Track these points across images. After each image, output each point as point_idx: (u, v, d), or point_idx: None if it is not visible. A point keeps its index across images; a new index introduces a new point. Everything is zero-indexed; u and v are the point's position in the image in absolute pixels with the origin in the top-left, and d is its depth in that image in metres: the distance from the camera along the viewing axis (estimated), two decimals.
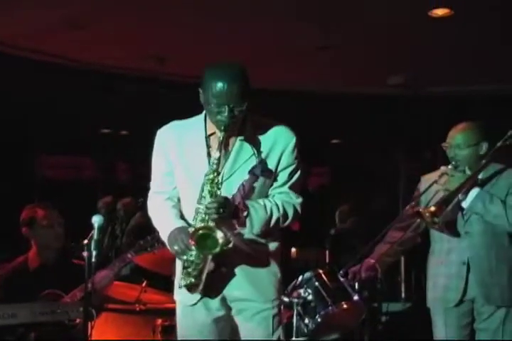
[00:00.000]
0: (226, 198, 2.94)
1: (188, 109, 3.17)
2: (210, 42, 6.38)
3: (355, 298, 3.37)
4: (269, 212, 3.04)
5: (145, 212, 3.33)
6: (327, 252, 6.66)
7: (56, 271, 4.20)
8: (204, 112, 3.12)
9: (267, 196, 3.11)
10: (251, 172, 3.02)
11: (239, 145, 3.06)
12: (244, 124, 3.07)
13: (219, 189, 2.93)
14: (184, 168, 3.11)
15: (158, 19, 6.02)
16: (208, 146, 3.08)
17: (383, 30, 6.22)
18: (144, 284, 4.55)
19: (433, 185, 3.84)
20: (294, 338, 3.23)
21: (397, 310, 6.16)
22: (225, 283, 3.08)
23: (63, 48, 6.84)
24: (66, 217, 4.39)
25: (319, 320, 3.26)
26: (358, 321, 3.59)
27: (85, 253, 3.31)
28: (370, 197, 8.91)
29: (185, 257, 2.98)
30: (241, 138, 3.06)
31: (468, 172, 3.79)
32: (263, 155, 3.04)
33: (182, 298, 3.16)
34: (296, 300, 3.25)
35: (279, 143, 3.08)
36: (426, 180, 3.98)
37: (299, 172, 3.15)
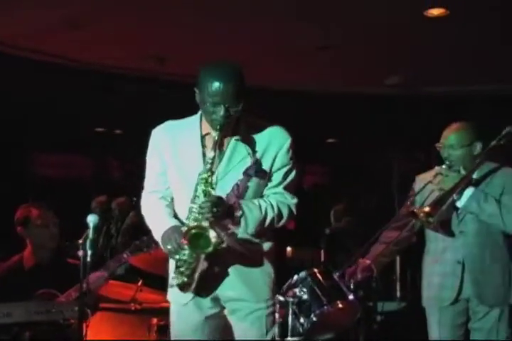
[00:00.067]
0: (220, 197, 2.94)
1: (187, 109, 3.17)
2: (210, 42, 6.40)
3: (351, 297, 3.37)
4: (263, 212, 3.04)
5: (139, 212, 3.33)
6: (322, 251, 6.67)
7: (51, 270, 4.19)
8: (199, 112, 3.12)
9: (261, 196, 3.11)
10: (245, 172, 3.02)
11: (233, 146, 3.06)
12: (239, 125, 3.07)
13: (213, 188, 2.93)
14: (178, 168, 3.11)
15: (158, 19, 6.05)
16: (203, 146, 3.08)
17: (379, 30, 6.23)
18: (139, 283, 4.55)
19: (428, 185, 3.84)
20: (289, 337, 3.22)
21: (392, 310, 6.17)
22: (218, 283, 3.09)
23: (63, 48, 6.86)
24: (60, 216, 4.38)
25: (314, 319, 3.25)
26: (353, 320, 3.58)
27: (80, 253, 3.31)
28: (365, 196, 8.93)
29: (178, 256, 2.98)
30: (236, 138, 3.06)
31: (462, 172, 3.79)
32: (258, 156, 3.04)
33: (174, 297, 3.17)
34: (291, 300, 3.24)
35: (273, 143, 3.08)
36: (421, 179, 3.98)
37: (293, 173, 3.15)
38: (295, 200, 3.15)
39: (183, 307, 3.15)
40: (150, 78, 7.73)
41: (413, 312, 5.08)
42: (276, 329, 3.12)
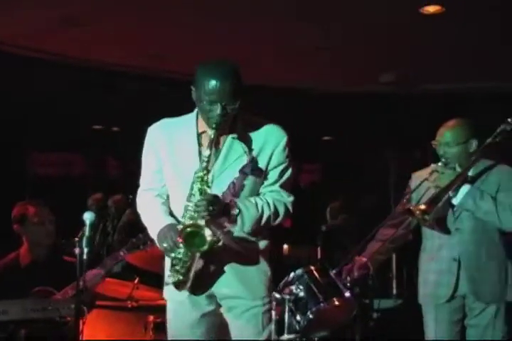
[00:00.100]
0: (215, 196, 2.94)
1: (187, 107, 3.17)
2: (209, 41, 6.43)
3: (347, 294, 3.37)
4: (260, 210, 3.04)
5: (135, 209, 3.33)
6: (319, 249, 6.67)
7: (47, 268, 4.19)
8: (195, 110, 3.12)
9: (258, 194, 3.11)
10: (241, 170, 3.02)
11: (229, 144, 3.06)
12: (235, 123, 3.07)
13: (208, 187, 2.93)
14: (174, 166, 3.11)
15: (158, 18, 6.06)
16: (199, 144, 3.08)
17: (375, 28, 6.24)
18: (136, 281, 4.55)
19: (424, 183, 3.84)
20: (285, 335, 3.23)
21: (388, 307, 6.17)
22: (214, 281, 3.09)
23: (62, 47, 6.85)
24: (57, 214, 4.38)
25: (311, 316, 3.25)
26: (350, 317, 3.59)
27: (77, 250, 3.31)
28: (361, 194, 8.93)
29: (173, 254, 2.99)
30: (232, 136, 3.06)
31: (458, 169, 3.79)
32: (254, 154, 3.04)
33: (170, 294, 3.17)
34: (287, 297, 3.25)
35: (269, 141, 3.08)
36: (417, 177, 3.98)
37: (289, 171, 3.15)
38: (291, 198, 3.15)
39: (179, 305, 3.16)
40: (150, 76, 7.74)
41: (409, 309, 5.08)
42: (272, 327, 3.13)
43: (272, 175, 3.11)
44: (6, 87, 6.67)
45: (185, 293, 3.09)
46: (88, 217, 3.30)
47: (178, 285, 3.04)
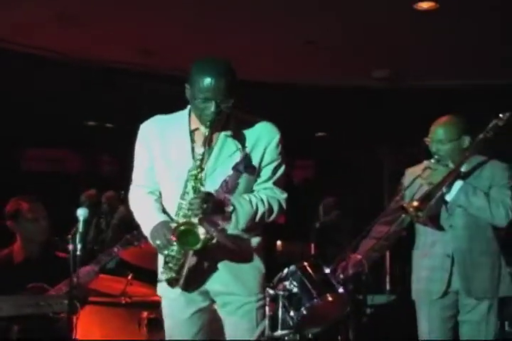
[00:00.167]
0: (209, 194, 2.94)
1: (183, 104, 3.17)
2: (204, 37, 6.45)
3: (340, 290, 3.38)
4: (254, 207, 3.04)
5: (128, 206, 3.32)
6: (312, 245, 6.68)
7: (41, 264, 4.18)
8: (188, 107, 3.12)
9: (251, 192, 3.11)
10: (234, 168, 3.02)
11: (222, 141, 3.06)
12: (228, 120, 3.06)
13: (202, 185, 2.93)
14: (166, 162, 3.11)
15: (151, 15, 6.09)
16: (192, 141, 3.08)
17: (368, 23, 6.24)
18: (129, 277, 4.55)
19: (417, 179, 3.84)
20: (279, 331, 3.23)
21: (381, 303, 6.19)
22: (207, 277, 3.10)
23: (52, 42, 6.84)
24: (50, 211, 4.37)
25: (304, 312, 3.26)
26: (343, 313, 3.60)
27: (70, 247, 3.30)
28: (354, 190, 8.94)
29: (166, 252, 2.98)
30: (225, 133, 3.06)
31: (451, 165, 3.79)
32: (247, 151, 3.04)
33: (163, 291, 3.18)
34: (281, 293, 3.25)
35: (262, 139, 3.08)
36: (410, 173, 3.98)
37: (283, 168, 3.15)
38: (285, 195, 3.15)
39: (172, 302, 3.17)
40: (143, 73, 7.73)
41: (402, 305, 5.10)
42: (266, 323, 3.13)
43: (265, 173, 3.11)
44: (3, 84, 6.67)
45: (178, 290, 3.09)
46: (81, 213, 3.30)
47: (171, 283, 3.05)
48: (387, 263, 6.80)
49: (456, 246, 3.77)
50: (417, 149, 4.06)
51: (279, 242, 7.43)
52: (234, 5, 5.85)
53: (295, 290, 3.30)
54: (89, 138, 8.60)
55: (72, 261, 3.28)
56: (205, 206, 2.89)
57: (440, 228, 3.81)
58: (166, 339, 3.25)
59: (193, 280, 3.07)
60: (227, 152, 3.05)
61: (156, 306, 4.12)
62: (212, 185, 3.01)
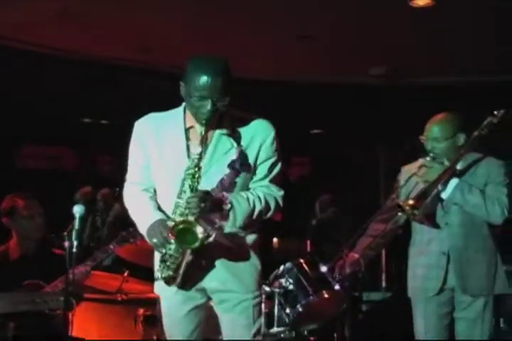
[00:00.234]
0: (207, 192, 2.94)
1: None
2: (198, 34, 6.45)
3: (336, 287, 3.38)
4: (251, 205, 3.04)
5: (123, 203, 3.32)
6: (308, 242, 6.69)
7: (36, 261, 4.18)
8: (183, 105, 3.11)
9: (247, 189, 3.11)
10: (230, 166, 3.00)
11: (217, 139, 3.06)
12: (223, 118, 3.06)
13: (199, 184, 2.93)
14: (161, 160, 3.10)
15: (148, 10, 6.08)
16: (187, 139, 3.08)
17: (364, 20, 6.24)
18: (125, 274, 4.55)
19: (412, 177, 3.84)
20: (275, 328, 3.23)
21: (377, 300, 6.21)
22: (204, 275, 3.10)
23: (53, 40, 6.82)
24: (46, 208, 4.37)
25: (300, 309, 3.26)
26: (339, 310, 3.60)
27: (66, 244, 3.30)
28: (351, 187, 8.94)
29: (164, 250, 2.98)
30: (220, 131, 3.06)
31: (446, 163, 3.79)
32: (242, 149, 3.04)
33: (161, 289, 3.18)
34: (277, 290, 3.25)
35: (257, 136, 3.08)
36: (406, 170, 3.98)
37: (279, 165, 3.15)
38: (281, 192, 3.15)
39: (170, 300, 3.17)
40: (143, 70, 7.73)
41: (398, 302, 5.11)
42: (262, 320, 3.14)
43: (261, 170, 3.11)
44: (2, 82, 6.66)
45: (174, 288, 3.09)
46: (78, 210, 3.29)
47: (169, 281, 3.05)
48: (383, 261, 6.82)
49: (452, 244, 3.77)
50: (414, 146, 4.05)
51: (275, 239, 7.44)
52: (233, 2, 5.84)
53: (291, 287, 3.29)
54: (86, 136, 8.58)
55: (68, 258, 3.28)
56: (202, 205, 2.89)
57: (436, 226, 3.81)
58: (166, 337, 3.26)
59: (190, 278, 3.07)
60: (222, 150, 3.05)
61: (152, 303, 4.13)
62: (207, 182, 3.00)
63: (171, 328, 3.22)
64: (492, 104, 3.86)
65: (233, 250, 3.09)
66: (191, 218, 2.89)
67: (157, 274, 3.06)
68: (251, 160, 3.06)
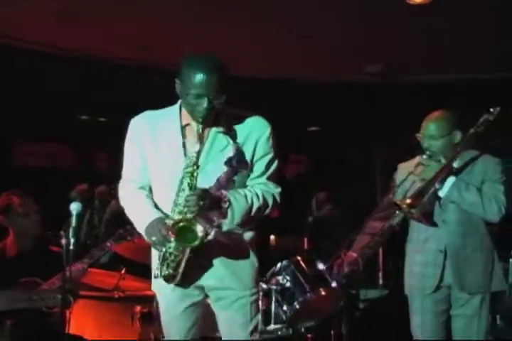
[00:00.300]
0: (205, 190, 2.93)
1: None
2: (196, 33, 6.43)
3: (333, 284, 3.39)
4: (250, 202, 3.04)
5: (119, 200, 3.32)
6: (305, 239, 6.69)
7: (33, 258, 4.17)
8: (179, 102, 3.11)
9: (245, 187, 3.11)
10: (227, 163, 3.00)
11: (213, 136, 3.06)
12: (220, 116, 3.05)
13: (197, 182, 2.93)
14: (157, 158, 3.10)
15: (145, 9, 6.07)
16: (183, 137, 3.08)
17: (361, 17, 6.24)
18: (122, 271, 4.55)
19: (409, 176, 3.84)
20: (272, 325, 3.24)
21: (374, 297, 6.20)
22: (202, 273, 3.09)
23: (49, 37, 6.82)
24: (43, 205, 4.36)
25: (297, 306, 3.27)
26: (336, 307, 3.61)
27: (63, 241, 3.30)
28: (348, 184, 8.94)
29: (163, 249, 2.98)
30: (216, 129, 3.05)
31: (443, 161, 3.79)
32: (238, 146, 3.03)
33: (158, 287, 3.18)
34: (274, 287, 3.26)
35: (253, 133, 3.08)
36: (402, 168, 3.98)
37: (275, 162, 3.15)
38: (279, 189, 3.15)
39: (167, 297, 3.17)
40: (141, 67, 7.72)
41: (395, 299, 5.11)
42: (259, 317, 3.14)
43: (258, 167, 3.11)
44: (2, 80, 6.66)
45: (172, 285, 3.09)
46: (75, 207, 3.29)
47: (168, 279, 3.05)
48: (380, 258, 6.82)
49: (449, 242, 3.78)
50: (410, 144, 4.04)
51: (272, 237, 7.44)
52: (233, 2, 5.85)
53: (288, 284, 3.31)
54: (83, 133, 8.57)
55: (65, 256, 3.27)
56: (201, 203, 2.89)
57: (434, 224, 3.81)
58: (164, 335, 3.26)
59: (188, 276, 3.07)
60: (218, 147, 3.05)
61: (149, 300, 4.13)
62: (204, 180, 2.99)
63: (169, 325, 3.22)
64: (489, 102, 3.86)
65: (231, 247, 3.08)
66: (190, 216, 2.89)
67: (156, 272, 3.06)
68: (248, 157, 3.05)
